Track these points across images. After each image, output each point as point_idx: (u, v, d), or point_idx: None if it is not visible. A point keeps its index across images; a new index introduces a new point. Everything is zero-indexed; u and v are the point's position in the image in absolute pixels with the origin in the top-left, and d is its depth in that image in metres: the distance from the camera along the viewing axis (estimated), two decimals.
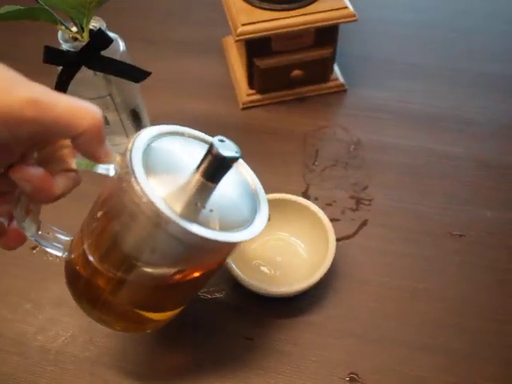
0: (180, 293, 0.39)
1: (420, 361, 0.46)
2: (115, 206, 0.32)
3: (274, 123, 0.66)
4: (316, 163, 0.61)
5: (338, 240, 0.53)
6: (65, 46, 0.48)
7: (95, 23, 0.49)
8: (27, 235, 0.33)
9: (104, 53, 0.48)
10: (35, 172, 0.28)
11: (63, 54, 0.47)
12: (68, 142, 0.30)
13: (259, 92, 0.67)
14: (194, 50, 0.75)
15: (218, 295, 0.50)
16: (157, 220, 0.29)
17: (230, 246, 0.35)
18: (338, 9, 0.60)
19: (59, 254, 0.36)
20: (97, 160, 0.29)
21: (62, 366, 0.47)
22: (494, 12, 0.79)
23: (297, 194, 0.53)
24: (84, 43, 0.47)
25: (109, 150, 0.30)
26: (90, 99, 0.49)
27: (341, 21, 0.60)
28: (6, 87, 0.25)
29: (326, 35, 0.62)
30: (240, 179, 0.36)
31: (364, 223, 0.55)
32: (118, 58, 0.50)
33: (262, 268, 0.50)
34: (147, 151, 0.31)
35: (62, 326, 0.49)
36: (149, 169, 0.30)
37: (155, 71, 0.52)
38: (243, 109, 0.67)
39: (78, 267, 0.36)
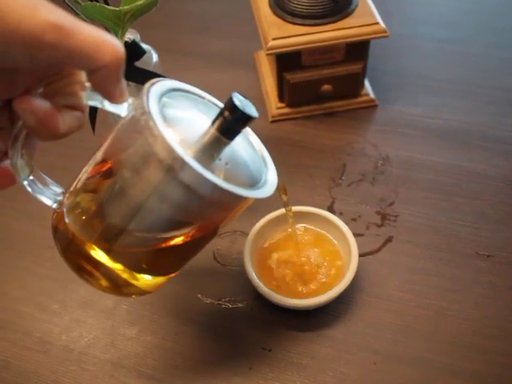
0: (172, 256, 0.37)
1: (440, 382, 0.45)
2: (125, 150, 0.30)
3: (303, 137, 0.66)
4: (343, 177, 0.61)
5: (361, 255, 0.53)
6: None
7: (130, 35, 0.50)
8: (20, 177, 0.32)
9: (138, 63, 0.50)
10: (41, 104, 0.26)
11: None
12: (79, 77, 0.29)
13: (289, 106, 0.68)
14: (226, 62, 0.77)
15: (239, 305, 0.51)
16: (171, 162, 0.28)
17: (238, 202, 0.33)
18: (369, 24, 0.60)
19: (49, 203, 0.35)
20: (110, 98, 0.28)
21: (84, 366, 0.48)
22: None
23: (322, 208, 0.53)
24: None
25: (124, 89, 0.28)
26: None
27: (372, 36, 0.60)
28: (28, 7, 0.23)
29: (357, 50, 0.63)
30: (249, 143, 0.36)
31: (389, 239, 0.55)
32: (150, 68, 0.51)
33: (284, 280, 0.50)
34: (163, 101, 0.30)
35: (86, 327, 0.50)
36: (164, 117, 0.29)
37: (186, 82, 0.53)
38: (272, 122, 0.68)
39: (68, 220, 0.34)
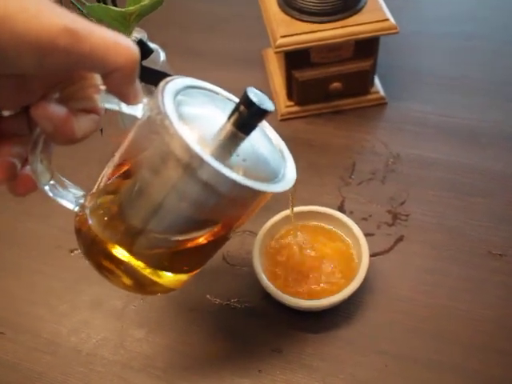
0: (193, 254, 0.37)
1: None
2: (142, 151, 0.31)
3: (312, 135, 0.65)
4: (352, 176, 0.60)
5: (372, 255, 0.52)
6: None
7: (137, 34, 0.50)
8: (41, 183, 0.32)
9: (145, 63, 0.49)
10: (58, 110, 0.26)
11: None
12: (93, 81, 0.29)
13: (298, 104, 0.67)
14: (234, 61, 0.76)
15: (248, 305, 0.50)
16: (189, 161, 0.28)
17: (256, 197, 0.33)
18: (378, 21, 0.59)
19: (71, 206, 0.35)
20: (126, 100, 0.28)
21: (92, 367, 0.47)
22: None
23: (332, 207, 0.52)
24: None
25: (139, 90, 0.28)
26: None
27: (382, 33, 0.59)
28: (40, 10, 0.23)
29: (366, 47, 0.62)
30: (266, 137, 0.36)
31: (400, 239, 0.54)
32: (158, 68, 0.51)
33: (294, 280, 0.49)
34: (178, 99, 0.30)
35: (95, 328, 0.50)
36: (179, 115, 0.29)
37: None
38: (281, 120, 0.67)
39: (91, 222, 0.34)
